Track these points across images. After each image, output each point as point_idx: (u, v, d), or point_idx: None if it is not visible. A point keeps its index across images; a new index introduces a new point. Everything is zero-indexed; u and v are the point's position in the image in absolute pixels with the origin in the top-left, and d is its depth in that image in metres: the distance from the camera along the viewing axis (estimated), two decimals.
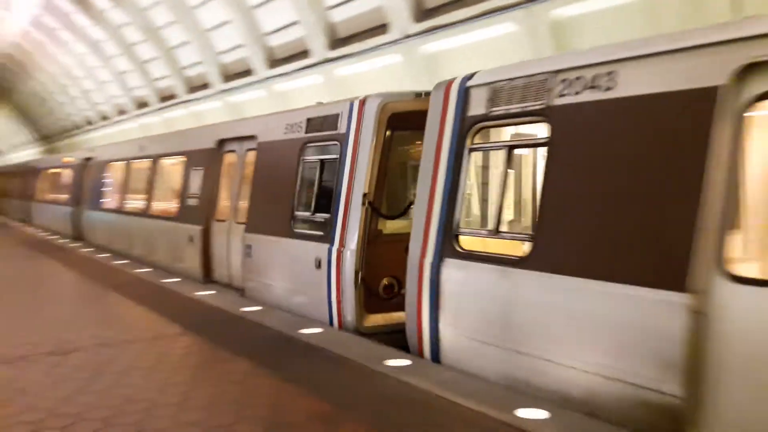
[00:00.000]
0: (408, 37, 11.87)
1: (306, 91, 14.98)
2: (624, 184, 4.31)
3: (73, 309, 7.93)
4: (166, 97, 23.06)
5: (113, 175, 15.47)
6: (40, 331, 6.56)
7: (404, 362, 5.34)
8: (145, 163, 13.37)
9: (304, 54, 14.87)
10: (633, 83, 4.34)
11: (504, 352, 4.99)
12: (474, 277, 5.32)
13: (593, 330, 4.35)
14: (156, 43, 20.87)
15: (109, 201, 15.36)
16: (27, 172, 26.50)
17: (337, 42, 13.94)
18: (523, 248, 4.98)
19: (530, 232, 5.08)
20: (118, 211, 14.44)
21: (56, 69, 30.73)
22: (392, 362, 5.33)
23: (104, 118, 30.29)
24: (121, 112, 27.93)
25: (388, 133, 6.94)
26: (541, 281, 4.70)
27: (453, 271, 5.50)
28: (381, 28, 12.60)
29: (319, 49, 14.16)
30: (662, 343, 3.92)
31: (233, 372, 5.21)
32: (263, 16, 15.86)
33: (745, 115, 3.78)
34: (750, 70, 3.69)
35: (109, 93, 28.18)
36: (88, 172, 17.46)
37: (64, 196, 19.44)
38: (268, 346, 6.09)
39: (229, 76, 18.53)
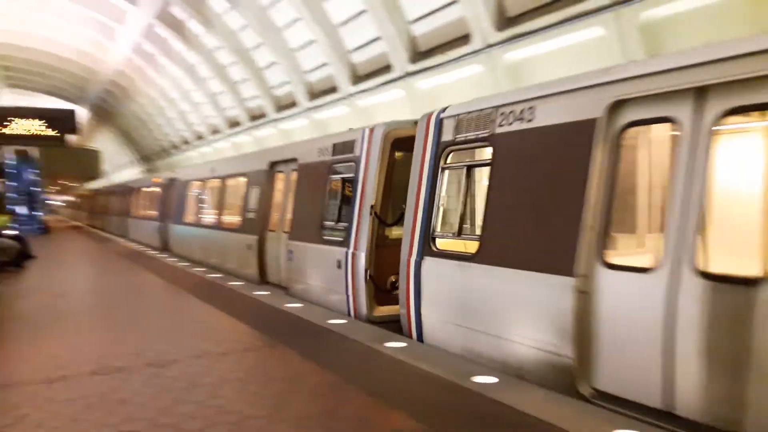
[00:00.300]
0: (490, 46, 11.73)
1: (388, 105, 15.11)
2: (537, 195, 5.62)
3: (170, 321, 8.29)
4: (256, 116, 23.95)
5: (191, 193, 17.53)
6: (140, 343, 6.90)
7: (492, 379, 5.21)
8: (216, 183, 15.29)
9: (386, 69, 15.02)
10: (545, 116, 5.63)
11: (463, 330, 6.35)
12: (443, 270, 6.70)
13: (517, 308, 5.65)
14: (246, 65, 21.74)
15: (188, 215, 17.32)
16: (124, 192, 29.56)
17: (418, 55, 13.99)
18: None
19: (479, 234, 6.32)
20: (195, 224, 16.42)
21: (155, 92, 32.67)
22: (480, 379, 5.22)
23: (199, 137, 31.83)
24: (215, 131, 29.25)
25: (395, 154, 8.43)
26: (483, 271, 6.05)
27: (430, 266, 6.91)
28: (462, 39, 12.53)
29: (400, 63, 14.26)
30: (559, 316, 5.12)
31: (321, 384, 5.27)
32: (347, 34, 16.18)
33: (616, 140, 4.96)
34: (618, 105, 4.92)
35: (204, 113, 29.61)
36: (172, 191, 19.44)
37: (153, 212, 21.76)
38: (355, 358, 6.12)
39: (314, 94, 19.00)
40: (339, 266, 8.68)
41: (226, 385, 5.32)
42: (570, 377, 5.03)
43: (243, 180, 13.11)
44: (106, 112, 43.00)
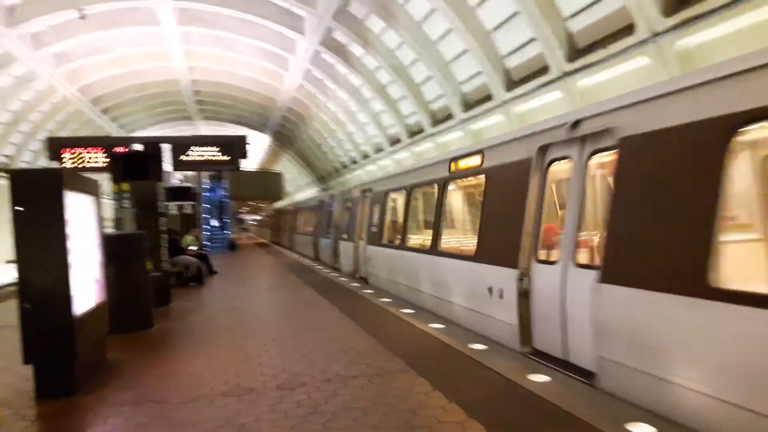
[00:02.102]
0: (657, 35, 10.39)
1: (544, 109, 14.15)
2: (355, 218, 17.55)
3: (311, 338, 8.13)
4: (415, 132, 24.02)
5: (298, 215, 32.27)
6: (278, 362, 6.87)
7: (650, 428, 4.28)
8: (306, 211, 28.90)
9: (541, 71, 14.10)
10: (354, 196, 18.45)
11: (347, 265, 17.50)
12: (343, 245, 18.31)
13: (348, 255, 17.33)
14: (404, 82, 21.90)
15: (297, 228, 31.32)
16: (278, 214, 49.25)
17: (576, 53, 12.91)
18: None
19: (348, 231, 17.84)
20: (299, 233, 30.03)
21: (326, 116, 34.32)
22: (633, 426, 4.33)
23: (365, 156, 32.82)
24: (378, 150, 29.93)
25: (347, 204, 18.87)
26: (345, 243, 17.89)
27: (342, 243, 18.45)
28: (624, 31, 11.29)
29: (557, 63, 13.28)
30: (353, 255, 16.75)
31: (445, 421, 4.74)
32: (500, 39, 15.52)
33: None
34: (364, 191, 16.35)
35: (368, 133, 30.46)
36: (293, 213, 34.84)
37: (288, 227, 35.83)
38: (488, 392, 5.48)
39: (469, 105, 18.52)
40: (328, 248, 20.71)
41: (347, 414, 5.00)
42: (353, 274, 16.17)
43: (310, 210, 26.60)
44: (285, 137, 46.06)
